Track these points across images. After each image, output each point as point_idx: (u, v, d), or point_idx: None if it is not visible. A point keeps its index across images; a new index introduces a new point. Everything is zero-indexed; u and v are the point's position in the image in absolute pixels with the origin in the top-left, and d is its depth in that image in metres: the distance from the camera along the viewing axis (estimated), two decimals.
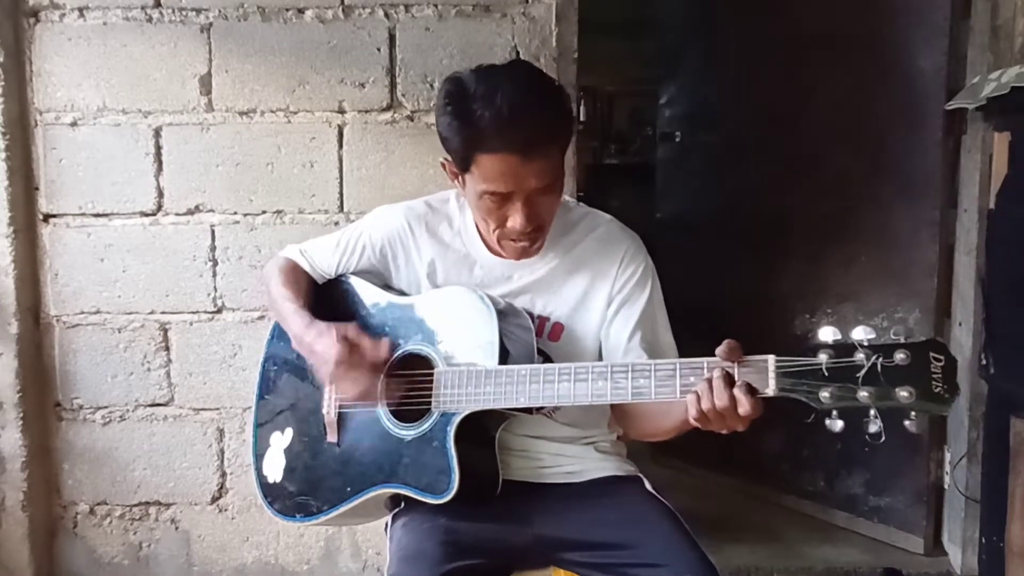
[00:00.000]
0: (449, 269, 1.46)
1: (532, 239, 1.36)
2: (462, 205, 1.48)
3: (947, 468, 2.43)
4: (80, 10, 2.15)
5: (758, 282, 2.79)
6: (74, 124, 2.18)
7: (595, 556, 1.32)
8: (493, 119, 1.25)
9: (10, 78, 2.13)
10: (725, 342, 1.15)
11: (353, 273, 1.54)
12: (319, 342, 1.37)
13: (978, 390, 2.26)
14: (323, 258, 1.54)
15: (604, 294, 1.42)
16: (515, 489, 1.39)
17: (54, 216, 2.20)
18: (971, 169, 2.30)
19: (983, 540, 2.14)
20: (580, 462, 1.45)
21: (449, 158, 1.37)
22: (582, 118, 4.65)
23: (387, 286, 1.53)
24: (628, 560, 1.29)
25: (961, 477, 2.34)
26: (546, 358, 1.40)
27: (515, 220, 1.32)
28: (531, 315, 1.42)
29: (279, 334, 1.57)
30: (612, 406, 1.46)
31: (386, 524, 1.47)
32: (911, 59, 2.40)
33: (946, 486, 2.44)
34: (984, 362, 2.13)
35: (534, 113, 1.27)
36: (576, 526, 1.35)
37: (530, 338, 1.37)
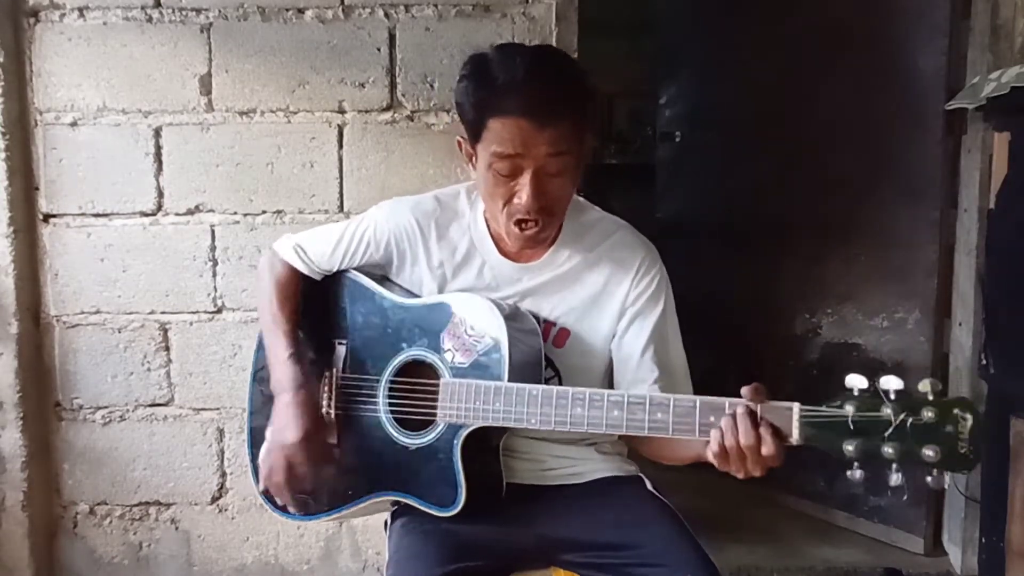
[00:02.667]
0: (457, 269, 1.43)
1: (539, 223, 1.31)
2: (472, 202, 1.44)
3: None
4: (80, 10, 2.14)
5: (758, 282, 2.80)
6: (74, 124, 2.17)
7: (596, 556, 1.32)
8: (508, 81, 1.24)
9: (10, 78, 2.12)
10: (753, 384, 1.12)
11: (355, 268, 1.50)
12: (292, 419, 1.36)
13: (978, 390, 2.26)
14: (322, 255, 1.50)
15: (616, 304, 1.39)
16: (518, 491, 1.38)
17: (54, 216, 2.20)
18: (971, 169, 2.30)
19: (983, 540, 2.14)
20: (582, 463, 1.45)
21: (464, 136, 1.34)
22: None
23: (385, 278, 1.49)
24: (629, 560, 1.29)
25: (961, 477, 2.33)
26: (549, 363, 1.38)
27: (522, 195, 1.27)
28: (537, 318, 1.39)
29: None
30: None
31: (385, 523, 1.47)
32: (911, 59, 2.40)
33: (946, 486, 2.43)
34: (984, 362, 2.13)
35: (550, 79, 1.26)
36: (577, 526, 1.34)
37: (537, 343, 1.34)
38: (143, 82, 2.16)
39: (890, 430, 1.02)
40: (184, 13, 2.14)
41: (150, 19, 2.15)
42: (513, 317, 1.34)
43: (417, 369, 1.39)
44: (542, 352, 1.34)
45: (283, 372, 1.40)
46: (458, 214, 1.45)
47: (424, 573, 1.23)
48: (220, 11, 2.14)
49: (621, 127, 5.32)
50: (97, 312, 2.22)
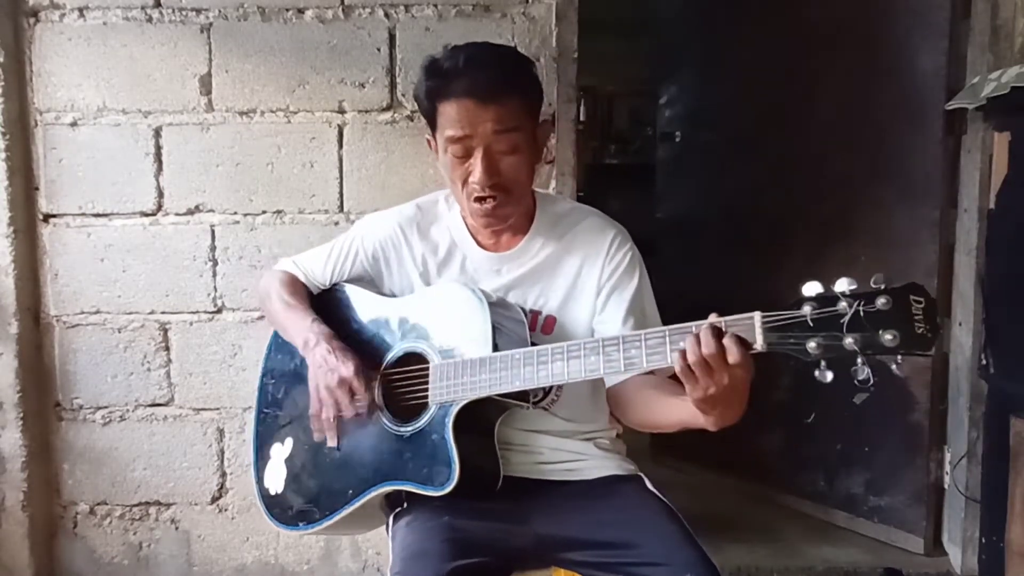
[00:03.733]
0: (440, 265, 1.49)
1: (495, 199, 1.37)
2: (451, 204, 1.51)
3: (947, 468, 2.43)
4: (80, 10, 2.15)
5: (758, 282, 2.79)
6: (74, 124, 2.18)
7: (596, 555, 1.32)
8: (452, 67, 1.35)
9: (10, 78, 2.13)
10: (713, 314, 1.16)
11: (346, 281, 1.56)
12: (339, 355, 1.40)
13: (978, 390, 2.26)
14: (316, 268, 1.58)
15: (593, 283, 1.44)
16: (516, 486, 1.39)
17: (54, 216, 2.20)
18: (971, 169, 2.30)
19: (983, 540, 2.14)
20: (580, 458, 1.45)
21: (429, 133, 1.43)
22: (582, 118, 4.66)
23: (381, 293, 1.54)
24: (629, 559, 1.29)
25: (961, 477, 2.34)
26: None
27: (475, 172, 1.35)
28: (523, 310, 1.43)
29: (277, 346, 1.59)
30: (608, 397, 1.46)
31: (387, 523, 1.47)
32: (911, 59, 2.40)
33: (946, 486, 2.44)
34: (984, 362, 2.13)
35: (489, 61, 1.37)
36: (577, 525, 1.35)
37: (523, 331, 1.38)
38: (143, 82, 2.16)
39: (847, 319, 1.05)
40: (184, 13, 2.14)
41: (150, 19, 2.15)
42: (500, 305, 1.40)
43: (411, 360, 1.42)
44: (528, 340, 1.37)
45: (314, 331, 1.45)
46: (438, 216, 1.52)
47: (429, 570, 1.24)
48: (220, 11, 2.14)
49: (621, 127, 5.33)
50: (97, 312, 2.22)
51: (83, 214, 2.20)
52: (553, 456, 1.45)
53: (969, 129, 2.30)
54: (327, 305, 1.55)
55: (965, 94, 2.19)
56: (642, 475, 1.48)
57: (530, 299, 1.45)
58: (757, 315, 1.12)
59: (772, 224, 2.76)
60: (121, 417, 2.25)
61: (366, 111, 2.17)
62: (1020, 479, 1.87)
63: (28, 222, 2.19)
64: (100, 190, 2.19)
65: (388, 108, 2.17)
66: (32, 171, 2.19)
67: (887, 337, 1.04)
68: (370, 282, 1.56)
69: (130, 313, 2.22)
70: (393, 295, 1.53)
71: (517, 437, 1.43)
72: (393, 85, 2.16)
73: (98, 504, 2.28)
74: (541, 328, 1.44)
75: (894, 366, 1.06)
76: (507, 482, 1.38)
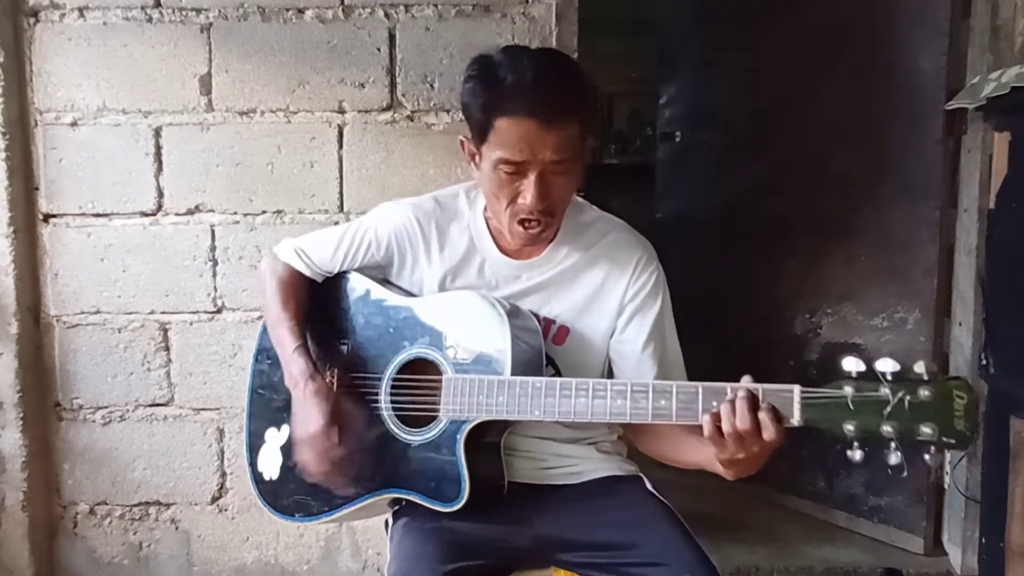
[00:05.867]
0: (459, 267, 1.44)
1: (542, 222, 1.33)
2: (472, 201, 1.46)
3: (947, 468, 2.43)
4: (80, 10, 2.15)
5: (758, 282, 2.80)
6: (74, 124, 2.18)
7: (595, 556, 1.32)
8: (516, 82, 1.25)
9: (10, 78, 2.12)
10: (747, 376, 1.14)
11: (356, 270, 1.51)
12: (310, 404, 1.36)
13: (978, 390, 2.26)
14: (323, 257, 1.51)
15: (615, 301, 1.40)
16: (518, 490, 1.38)
17: (54, 216, 2.20)
18: (971, 169, 2.30)
19: (983, 540, 2.14)
20: (582, 462, 1.45)
21: (468, 135, 1.36)
22: None
23: (387, 280, 1.50)
24: (628, 560, 1.29)
25: (961, 477, 2.34)
26: (549, 361, 1.39)
27: (527, 196, 1.29)
28: (537, 317, 1.40)
29: None
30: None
31: (386, 523, 1.47)
32: (911, 59, 2.40)
33: (946, 486, 2.44)
34: (984, 362, 2.13)
35: (558, 81, 1.27)
36: (576, 526, 1.35)
37: (538, 342, 1.35)
38: (143, 82, 2.16)
39: (888, 408, 1.04)
40: (184, 13, 2.14)
41: (150, 19, 2.15)
42: (514, 315, 1.35)
43: (420, 367, 1.39)
44: (543, 350, 1.35)
45: (294, 365, 1.41)
46: (458, 214, 1.46)
47: (426, 572, 1.24)
48: (220, 11, 2.14)
49: (621, 127, 5.32)
50: (97, 312, 2.22)
51: (83, 214, 2.20)
52: (556, 462, 1.44)
53: (969, 129, 2.30)
54: (335, 294, 1.51)
55: (965, 94, 2.19)
56: (642, 476, 1.48)
57: (545, 307, 1.41)
58: (796, 389, 1.10)
59: (772, 224, 2.76)
60: (121, 417, 2.25)
61: (366, 111, 2.17)
62: (1020, 479, 1.87)
63: (28, 222, 2.19)
64: (100, 190, 2.19)
65: (388, 108, 2.17)
66: (32, 171, 2.19)
67: (926, 430, 1.03)
68: (378, 269, 1.50)
69: (130, 313, 2.22)
70: (403, 289, 1.48)
71: (522, 444, 1.42)
72: (393, 85, 2.16)
73: (98, 504, 2.28)
74: (553, 338, 1.41)
75: (927, 456, 1.05)
76: (510, 487, 1.38)
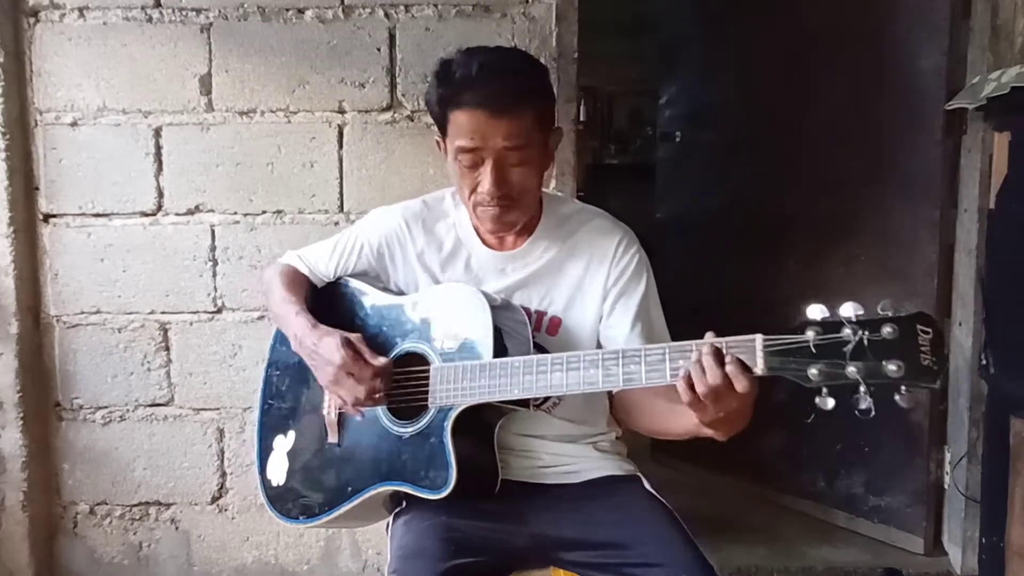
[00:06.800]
0: (445, 263, 1.48)
1: (502, 206, 1.37)
2: (457, 201, 1.50)
3: (947, 468, 2.43)
4: (80, 10, 2.15)
5: (758, 282, 2.79)
6: (74, 124, 2.18)
7: (593, 556, 1.32)
8: (465, 76, 1.32)
9: (10, 78, 2.13)
10: (710, 332, 1.15)
11: (351, 276, 1.55)
12: (322, 345, 1.38)
13: (978, 390, 2.26)
14: (321, 262, 1.56)
15: (599, 287, 1.43)
16: (515, 489, 1.39)
17: (54, 216, 2.20)
18: (971, 169, 2.30)
19: (983, 540, 2.14)
20: (580, 461, 1.45)
21: (439, 136, 1.42)
22: (582, 118, 4.66)
23: (386, 288, 1.53)
24: (626, 560, 1.29)
25: (961, 477, 2.34)
26: (543, 353, 1.40)
27: (484, 183, 1.35)
28: (528, 311, 1.42)
29: (282, 339, 1.58)
30: (611, 401, 1.46)
31: (387, 523, 1.48)
32: (911, 59, 2.40)
33: (946, 486, 2.44)
34: (984, 362, 2.13)
35: (503, 72, 1.34)
36: (574, 526, 1.35)
37: (526, 333, 1.37)
38: (143, 82, 2.16)
39: (850, 347, 1.03)
40: (184, 13, 2.14)
41: (150, 19, 2.15)
42: (504, 307, 1.39)
43: (412, 360, 1.42)
44: (530, 341, 1.37)
45: (298, 325, 1.44)
46: (444, 213, 1.51)
47: (425, 570, 1.24)
48: (220, 11, 2.14)
49: (621, 127, 5.32)
50: (97, 312, 2.22)
51: (83, 214, 2.20)
52: (553, 461, 1.45)
53: (969, 129, 2.31)
54: (331, 300, 1.55)
55: (965, 94, 2.20)
56: (640, 475, 1.48)
57: (535, 300, 1.45)
58: (759, 338, 1.10)
59: (772, 224, 2.76)
60: (121, 417, 2.25)
61: (366, 111, 2.17)
62: (1020, 479, 1.87)
63: (28, 222, 2.19)
64: (100, 190, 2.19)
65: (388, 108, 2.17)
66: (32, 171, 2.19)
67: (891, 368, 1.01)
68: (375, 277, 1.54)
69: (130, 313, 2.22)
70: (398, 291, 1.52)
71: (517, 442, 1.43)
72: (393, 85, 2.16)
73: (98, 504, 2.28)
74: (546, 329, 1.44)
75: (897, 396, 1.02)
76: (506, 485, 1.38)
